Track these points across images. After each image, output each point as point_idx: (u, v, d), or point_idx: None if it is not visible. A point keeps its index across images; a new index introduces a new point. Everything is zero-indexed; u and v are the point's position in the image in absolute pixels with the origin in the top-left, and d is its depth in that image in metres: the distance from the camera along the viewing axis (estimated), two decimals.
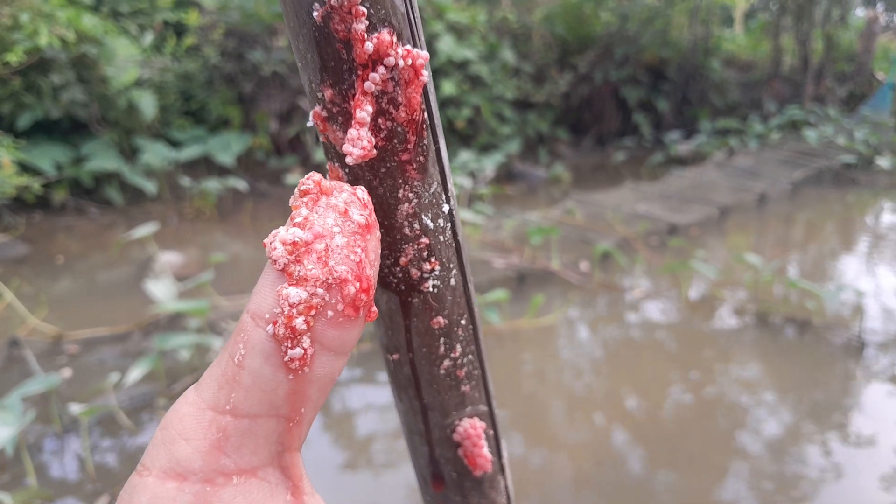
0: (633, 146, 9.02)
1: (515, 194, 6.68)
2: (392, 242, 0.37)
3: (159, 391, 2.68)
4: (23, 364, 2.89)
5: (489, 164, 6.41)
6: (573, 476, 2.31)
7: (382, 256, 0.37)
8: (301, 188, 0.33)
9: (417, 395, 0.43)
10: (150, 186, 5.74)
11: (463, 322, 0.41)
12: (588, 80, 8.91)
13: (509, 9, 8.66)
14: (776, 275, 3.83)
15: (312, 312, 0.31)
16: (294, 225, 0.32)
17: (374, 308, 0.33)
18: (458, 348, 0.42)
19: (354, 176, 0.35)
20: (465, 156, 6.30)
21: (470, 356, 0.43)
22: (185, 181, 5.78)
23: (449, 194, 0.38)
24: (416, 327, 0.40)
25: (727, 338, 3.37)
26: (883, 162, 7.02)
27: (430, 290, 0.39)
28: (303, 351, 0.31)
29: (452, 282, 0.39)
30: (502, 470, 0.50)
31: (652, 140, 9.18)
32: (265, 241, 0.32)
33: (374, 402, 2.81)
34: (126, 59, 5.94)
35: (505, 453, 0.50)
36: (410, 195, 0.35)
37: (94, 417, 2.50)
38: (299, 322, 0.31)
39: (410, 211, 0.36)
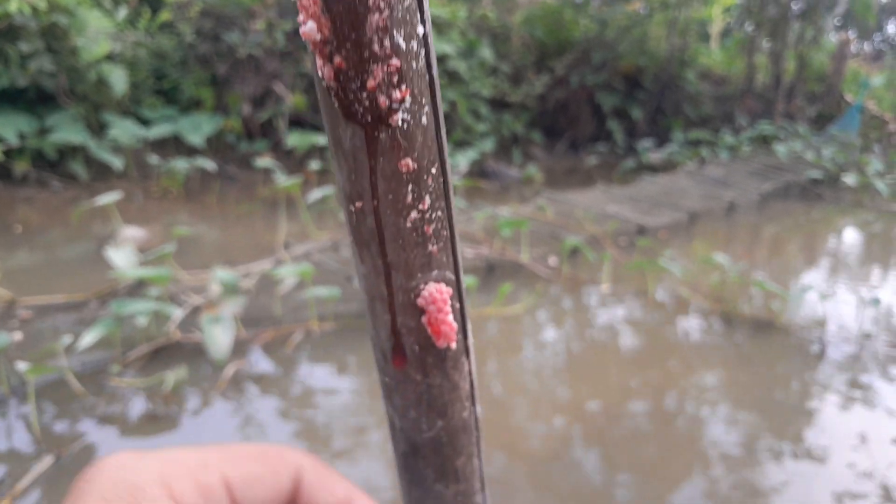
0: (605, 152, 9.08)
1: (488, 191, 6.67)
2: (360, 61, 0.33)
3: (114, 358, 2.60)
4: None
5: (463, 160, 6.39)
6: (530, 477, 2.29)
7: (348, 79, 0.34)
8: None
9: (381, 252, 0.40)
10: (116, 162, 5.63)
11: (433, 171, 0.38)
12: (564, 83, 8.95)
13: (490, 7, 8.67)
14: (742, 276, 3.86)
15: None
16: None
17: None
18: (427, 200, 0.39)
19: None
20: None
21: (439, 212, 0.40)
22: (154, 159, 5.68)
23: (424, 16, 0.35)
24: (382, 169, 0.37)
25: (691, 338, 3.38)
26: (849, 179, 7.14)
27: (399, 124, 0.36)
28: None
29: (424, 120, 0.36)
30: (467, 352, 0.47)
31: (624, 147, 9.25)
32: None
33: (338, 387, 2.77)
34: (98, 32, 5.81)
35: (470, 335, 0.47)
36: (382, 4, 0.32)
37: (44, 381, 2.43)
38: None
39: (381, 24, 0.33)
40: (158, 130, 6.05)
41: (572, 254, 4.20)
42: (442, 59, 7.29)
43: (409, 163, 0.37)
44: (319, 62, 0.34)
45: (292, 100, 6.61)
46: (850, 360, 3.11)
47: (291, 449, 0.44)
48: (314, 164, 5.74)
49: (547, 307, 3.62)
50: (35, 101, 5.65)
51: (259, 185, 6.05)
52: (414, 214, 0.39)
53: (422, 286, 0.42)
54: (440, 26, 7.47)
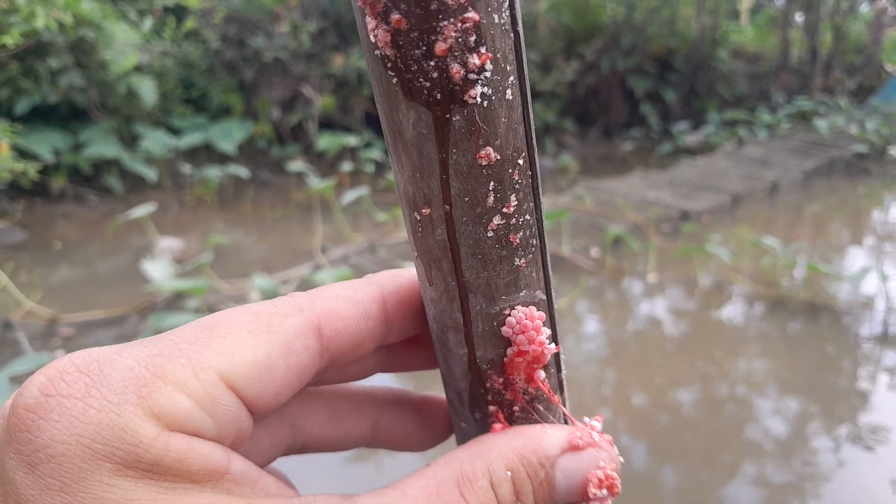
0: (640, 137, 8.91)
1: None
2: (425, 16, 0.25)
3: None
4: (15, 346, 2.79)
5: None
6: None
7: (409, 43, 0.26)
8: None
9: (454, 271, 0.32)
10: (150, 173, 5.64)
11: (520, 162, 0.30)
12: (595, 69, 8.79)
13: None
14: (794, 258, 3.71)
15: None
16: None
17: None
18: (514, 200, 0.30)
19: None
20: None
21: (527, 216, 0.31)
22: (186, 169, 5.68)
23: None
24: (455, 163, 0.28)
25: (741, 325, 3.25)
26: (895, 152, 6.89)
27: (478, 101, 0.27)
28: None
29: (509, 94, 0.28)
30: (561, 387, 0.38)
31: (659, 131, 9.05)
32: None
33: None
34: (125, 44, 5.83)
35: (564, 367, 0.38)
36: None
37: None
38: None
39: None
40: (190, 140, 6.05)
41: (615, 243, 4.09)
42: None
43: (490, 153, 0.28)
44: (371, 23, 0.26)
45: (321, 102, 6.57)
46: None
47: (302, 299, 0.35)
48: (346, 166, 5.69)
49: (591, 300, 3.52)
50: (67, 116, 5.69)
51: (293, 189, 6.02)
52: (497, 220, 0.30)
53: (507, 311, 0.34)
54: None
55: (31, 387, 0.27)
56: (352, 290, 0.36)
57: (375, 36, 0.26)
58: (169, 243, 4.24)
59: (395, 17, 0.25)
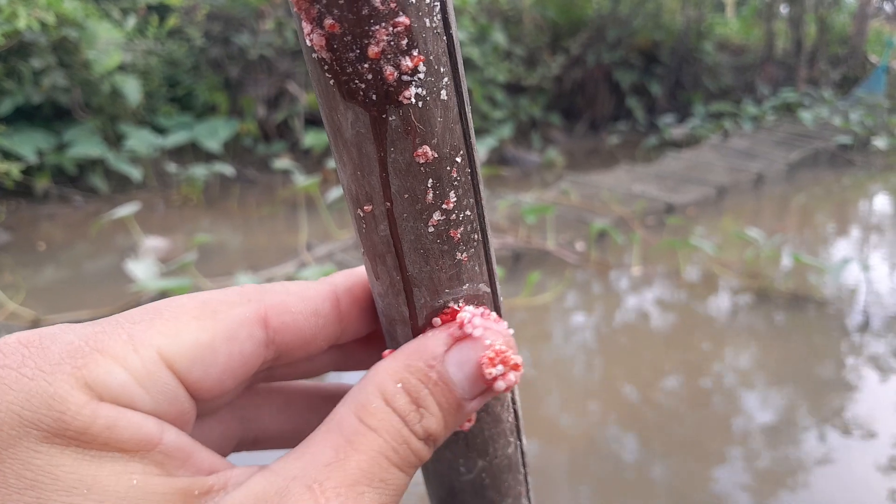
0: (626, 130, 8.94)
1: (509, 178, 6.58)
2: (357, 20, 0.26)
3: None
4: None
5: (481, 148, 6.29)
6: (569, 463, 2.22)
7: (344, 47, 0.27)
8: None
9: (398, 266, 0.33)
10: (135, 173, 5.61)
11: (458, 160, 0.31)
12: (580, 63, 8.80)
13: None
14: (777, 250, 3.74)
15: None
16: None
17: None
18: (453, 197, 0.31)
19: None
20: None
21: (468, 212, 0.32)
22: (172, 168, 5.66)
23: None
24: (393, 162, 0.29)
25: (726, 317, 3.28)
26: (879, 142, 6.95)
27: (413, 102, 0.28)
28: None
29: (443, 95, 0.29)
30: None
31: (645, 124, 9.09)
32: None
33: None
34: (108, 43, 5.79)
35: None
36: None
37: None
38: None
39: None
40: (175, 138, 6.03)
41: (600, 237, 4.11)
42: None
43: (427, 152, 0.29)
44: (306, 27, 0.27)
45: (307, 99, 6.56)
46: (892, 329, 2.99)
47: (251, 290, 0.35)
48: (332, 163, 5.69)
49: (577, 294, 3.53)
50: (51, 116, 5.65)
51: (279, 186, 6.01)
52: (437, 216, 0.31)
53: (451, 304, 0.34)
54: None
55: None
56: (304, 287, 0.37)
57: (311, 40, 0.27)
58: (154, 243, 4.23)
59: (328, 21, 0.26)
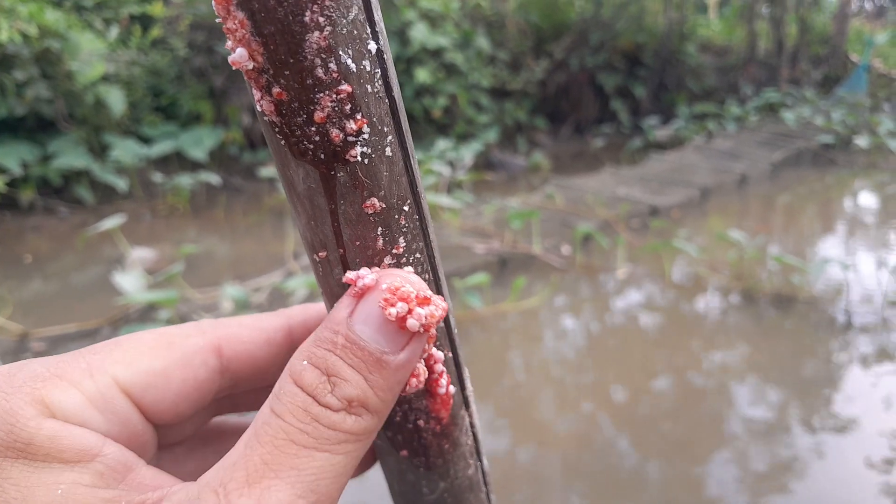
0: (611, 133, 8.99)
1: (495, 182, 6.61)
2: (302, 89, 0.28)
3: None
4: None
5: (467, 153, 6.32)
6: (560, 465, 2.24)
7: (292, 112, 0.29)
8: None
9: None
10: (121, 183, 5.60)
11: (406, 209, 0.33)
12: (564, 67, 8.85)
13: None
14: (760, 252, 3.78)
15: None
16: None
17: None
18: (402, 242, 0.33)
19: None
20: (443, 144, 6.21)
21: (417, 255, 0.34)
22: (158, 177, 5.65)
23: (376, 29, 0.29)
24: (344, 213, 0.31)
25: (712, 318, 3.31)
26: (861, 141, 7.02)
27: (359, 159, 0.30)
28: None
29: (388, 152, 0.31)
30: (466, 403, 0.41)
31: (630, 126, 9.15)
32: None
33: None
34: (92, 54, 5.78)
35: (469, 384, 0.41)
36: (321, 20, 0.27)
37: None
38: None
39: (323, 43, 0.27)
40: (160, 148, 6.02)
41: (585, 241, 4.14)
42: (438, 52, 7.22)
43: (375, 203, 0.32)
44: (257, 95, 0.29)
45: None
46: (876, 328, 3.04)
47: (206, 323, 0.37)
48: None
49: (563, 298, 3.56)
50: (35, 128, 5.63)
51: (265, 194, 6.02)
52: (388, 260, 0.34)
53: None
54: (433, 19, 7.39)
55: None
56: (258, 319, 0.39)
57: (261, 105, 0.29)
58: (142, 253, 4.22)
59: (276, 90, 0.28)
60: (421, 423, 0.38)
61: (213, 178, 5.46)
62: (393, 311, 0.31)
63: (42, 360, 0.32)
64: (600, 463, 2.22)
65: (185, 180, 5.44)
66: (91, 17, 6.58)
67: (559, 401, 2.63)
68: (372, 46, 0.29)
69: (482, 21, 8.30)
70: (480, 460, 0.44)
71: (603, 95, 9.22)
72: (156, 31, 6.56)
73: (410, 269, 0.34)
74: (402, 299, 0.32)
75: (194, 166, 6.22)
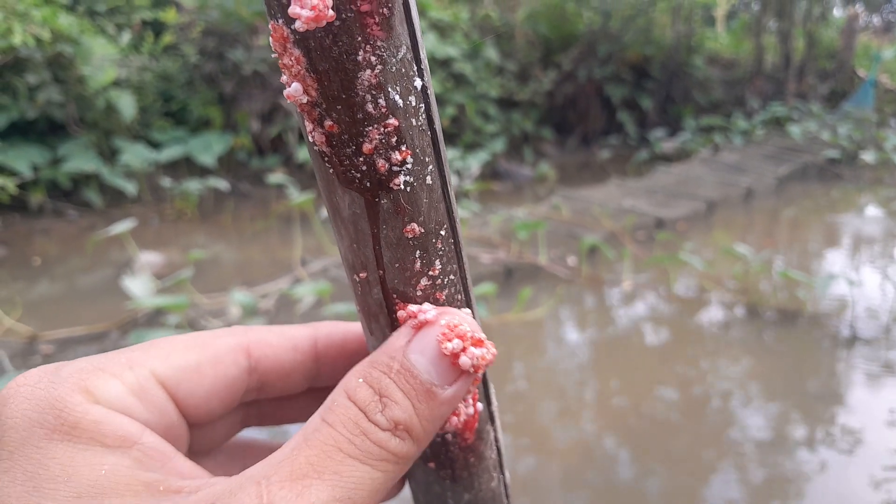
0: (617, 144, 9.01)
1: (501, 192, 6.63)
2: (352, 123, 0.30)
3: None
4: None
5: (474, 163, 6.35)
6: (562, 477, 2.25)
7: (341, 144, 0.31)
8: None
9: (390, 324, 0.37)
10: (130, 187, 5.64)
11: (442, 233, 0.35)
12: (572, 78, 8.88)
13: (491, 7, 8.62)
14: (765, 266, 3.79)
15: None
16: None
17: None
18: (438, 265, 0.35)
19: (302, 33, 0.28)
20: (450, 154, 6.24)
21: (451, 276, 0.36)
22: (166, 182, 5.69)
23: (422, 67, 0.31)
24: (385, 237, 0.33)
25: (716, 331, 3.32)
26: (867, 156, 7.03)
27: (402, 187, 0.32)
28: None
29: (429, 180, 0.33)
30: (492, 419, 0.43)
31: (636, 138, 9.17)
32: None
33: None
34: (103, 59, 5.83)
35: (495, 400, 0.43)
36: (373, 59, 0.29)
37: None
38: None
39: (374, 81, 0.29)
40: (169, 153, 6.06)
41: (591, 252, 4.15)
42: (447, 62, 7.26)
43: (415, 228, 0.34)
44: (309, 126, 0.31)
45: None
46: (881, 343, 3.04)
47: (237, 328, 0.41)
48: None
49: (569, 309, 3.58)
50: (46, 131, 5.68)
51: (273, 201, 6.05)
52: (424, 282, 0.36)
53: None
54: (443, 30, 7.44)
55: (8, 383, 0.33)
56: (286, 328, 0.42)
57: (313, 137, 0.31)
58: (149, 258, 4.25)
59: (328, 123, 0.30)
60: (449, 436, 0.40)
61: (222, 184, 5.49)
62: (449, 346, 0.34)
63: (84, 358, 0.35)
64: (600, 475, 2.23)
65: (193, 185, 5.47)
66: (104, 22, 6.64)
67: (561, 412, 2.64)
68: (418, 83, 0.31)
69: (491, 31, 8.35)
70: (503, 473, 0.46)
71: (610, 107, 9.25)
72: (168, 37, 6.61)
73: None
74: (459, 336, 0.34)
75: (203, 172, 6.25)
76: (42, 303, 3.78)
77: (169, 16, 6.59)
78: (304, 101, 0.30)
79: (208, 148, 6.27)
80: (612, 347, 3.19)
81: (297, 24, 0.28)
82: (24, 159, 5.28)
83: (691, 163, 7.14)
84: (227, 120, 6.66)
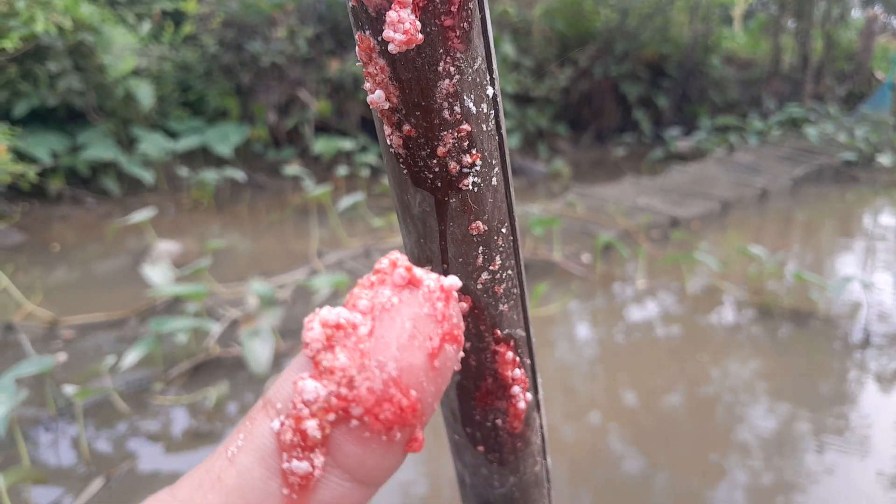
0: (632, 142, 9.00)
1: (516, 188, 6.61)
2: (429, 128, 0.32)
3: (156, 376, 2.63)
4: (17, 349, 2.85)
5: None
6: (569, 473, 2.27)
7: (417, 146, 0.33)
8: (376, 267, 0.30)
9: None
10: (147, 176, 5.69)
11: (503, 231, 0.37)
12: (588, 75, 8.87)
13: (509, 3, 8.62)
14: (780, 267, 3.80)
15: (330, 417, 0.25)
16: (346, 305, 0.27)
17: (419, 437, 0.28)
18: (498, 260, 0.38)
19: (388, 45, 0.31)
20: None
21: (509, 271, 0.39)
22: (183, 171, 5.73)
23: (494, 76, 0.33)
24: (451, 233, 0.36)
25: (729, 331, 3.33)
26: (884, 159, 6.99)
27: (470, 188, 0.35)
28: (309, 467, 0.25)
29: (494, 181, 0.35)
30: (538, 406, 0.46)
31: (651, 136, 9.15)
32: (305, 319, 0.27)
33: None
34: (123, 48, 5.88)
35: (541, 389, 0.46)
36: (452, 69, 0.31)
37: (90, 402, 2.46)
38: (311, 426, 0.25)
39: (451, 89, 0.32)
40: (187, 143, 6.11)
41: (606, 250, 4.17)
42: None
43: (479, 225, 0.36)
44: (388, 130, 0.34)
45: (317, 106, 6.64)
46: (894, 345, 3.04)
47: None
48: (342, 170, 5.76)
49: (582, 305, 3.59)
50: (65, 119, 5.74)
51: (289, 192, 6.09)
52: (485, 276, 0.38)
53: (492, 346, 0.41)
54: None
55: None
56: None
57: (391, 140, 0.33)
58: (167, 246, 4.30)
59: (406, 127, 0.33)
60: (499, 422, 0.43)
61: (238, 175, 5.53)
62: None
63: None
64: (608, 472, 2.25)
65: (210, 175, 5.51)
66: (124, 11, 6.69)
67: (571, 408, 2.66)
68: (490, 91, 0.33)
69: (508, 27, 8.34)
70: (546, 458, 0.48)
71: (625, 104, 9.23)
72: (188, 28, 6.65)
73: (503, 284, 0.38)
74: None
75: (219, 162, 6.30)
76: (61, 288, 3.83)
77: (189, 6, 6.63)
78: (386, 107, 0.32)
79: (225, 138, 6.32)
80: (625, 345, 3.21)
81: (391, 47, 0.30)
82: (43, 146, 5.34)
83: (706, 162, 7.13)
84: (244, 111, 6.70)
